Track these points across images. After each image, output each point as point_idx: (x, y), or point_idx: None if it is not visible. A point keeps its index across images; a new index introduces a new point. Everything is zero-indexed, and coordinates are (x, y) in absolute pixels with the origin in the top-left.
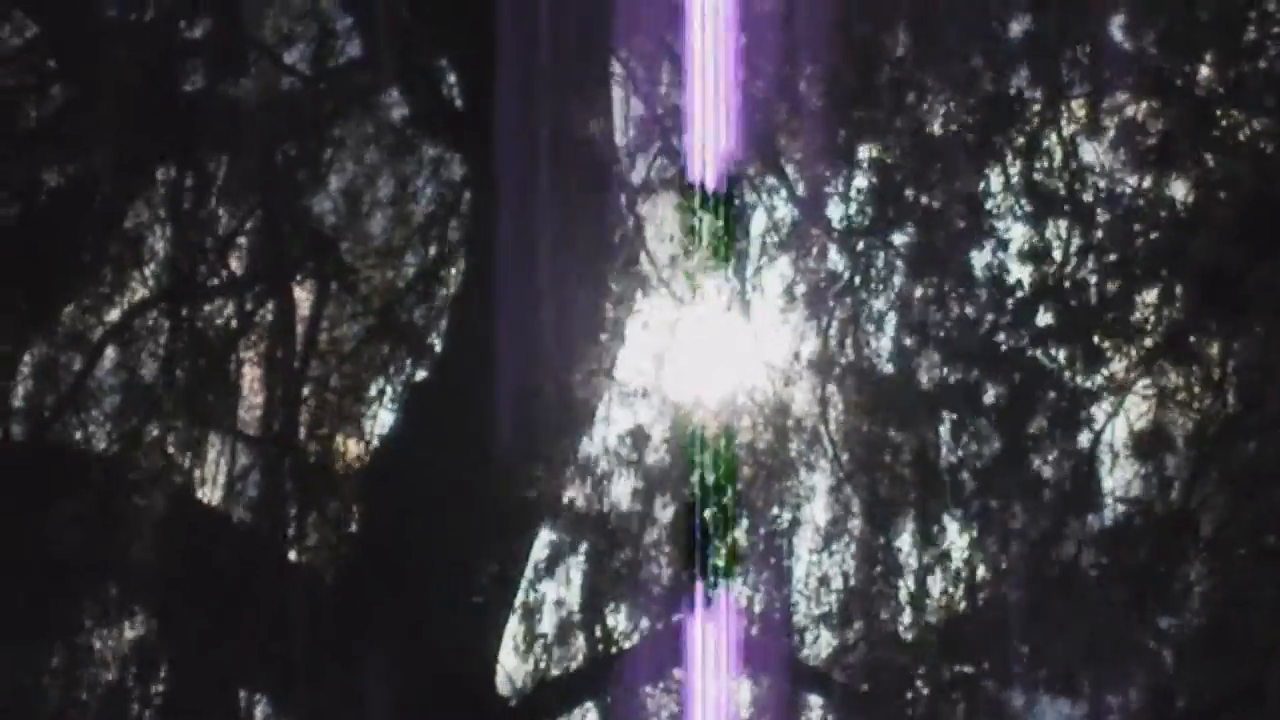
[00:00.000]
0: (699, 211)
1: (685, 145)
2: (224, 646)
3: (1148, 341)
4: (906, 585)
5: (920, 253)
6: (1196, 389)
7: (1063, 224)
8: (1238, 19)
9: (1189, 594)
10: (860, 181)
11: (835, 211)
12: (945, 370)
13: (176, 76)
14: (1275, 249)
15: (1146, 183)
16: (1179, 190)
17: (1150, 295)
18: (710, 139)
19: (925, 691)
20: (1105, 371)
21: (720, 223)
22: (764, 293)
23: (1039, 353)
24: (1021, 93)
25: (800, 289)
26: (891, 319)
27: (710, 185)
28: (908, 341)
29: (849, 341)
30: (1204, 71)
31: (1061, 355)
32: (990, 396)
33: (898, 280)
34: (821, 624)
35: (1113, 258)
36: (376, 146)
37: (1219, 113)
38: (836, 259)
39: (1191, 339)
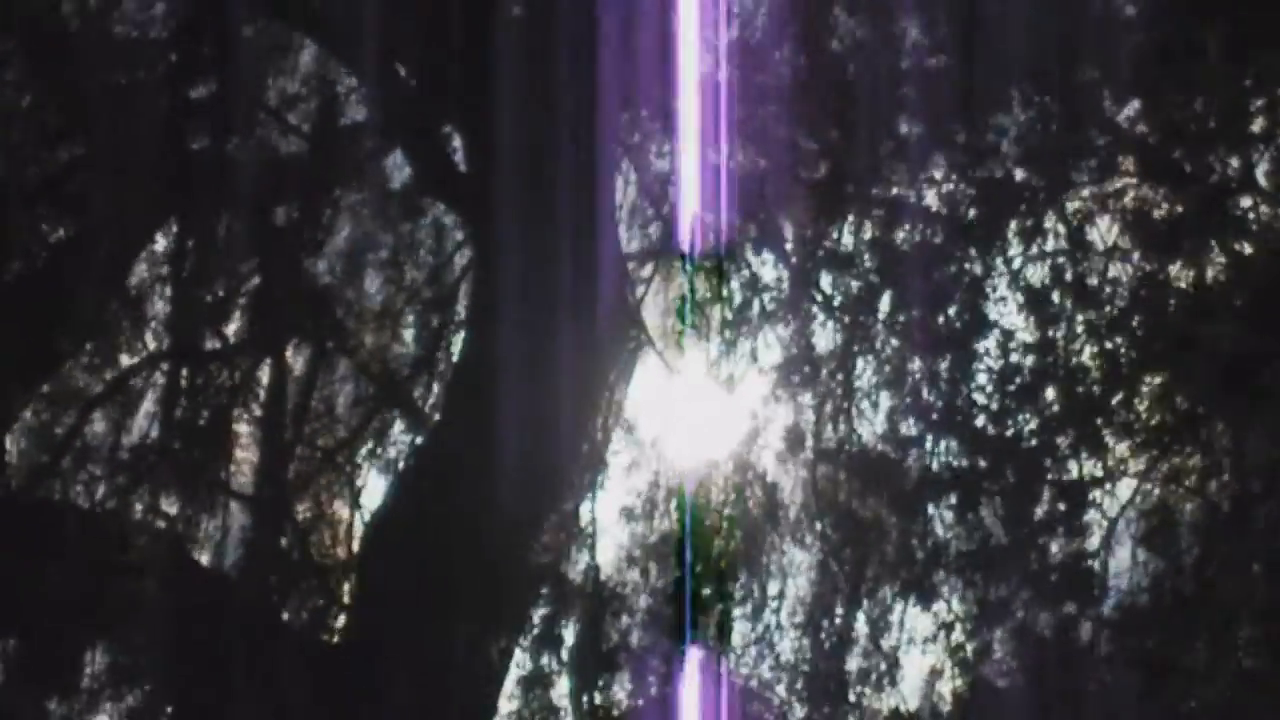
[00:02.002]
0: (692, 280)
1: (679, 213)
2: (217, 708)
3: (1153, 424)
4: (900, 663)
5: (917, 332)
6: (1203, 473)
7: (1067, 306)
8: (1246, 107)
9: (1199, 678)
10: (856, 257)
11: (829, 285)
12: (943, 455)
13: (179, 136)
14: None
15: (1153, 266)
16: (1188, 276)
17: (1157, 380)
18: (704, 208)
19: None
20: (1109, 459)
21: (713, 292)
22: (756, 363)
23: (1042, 438)
24: (1025, 175)
25: (792, 360)
26: (885, 398)
27: (702, 254)
28: (904, 423)
29: (839, 418)
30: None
31: (1065, 440)
32: (991, 481)
33: (892, 359)
34: (809, 697)
35: (1118, 341)
36: (376, 209)
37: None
38: (829, 333)
39: (1201, 424)
